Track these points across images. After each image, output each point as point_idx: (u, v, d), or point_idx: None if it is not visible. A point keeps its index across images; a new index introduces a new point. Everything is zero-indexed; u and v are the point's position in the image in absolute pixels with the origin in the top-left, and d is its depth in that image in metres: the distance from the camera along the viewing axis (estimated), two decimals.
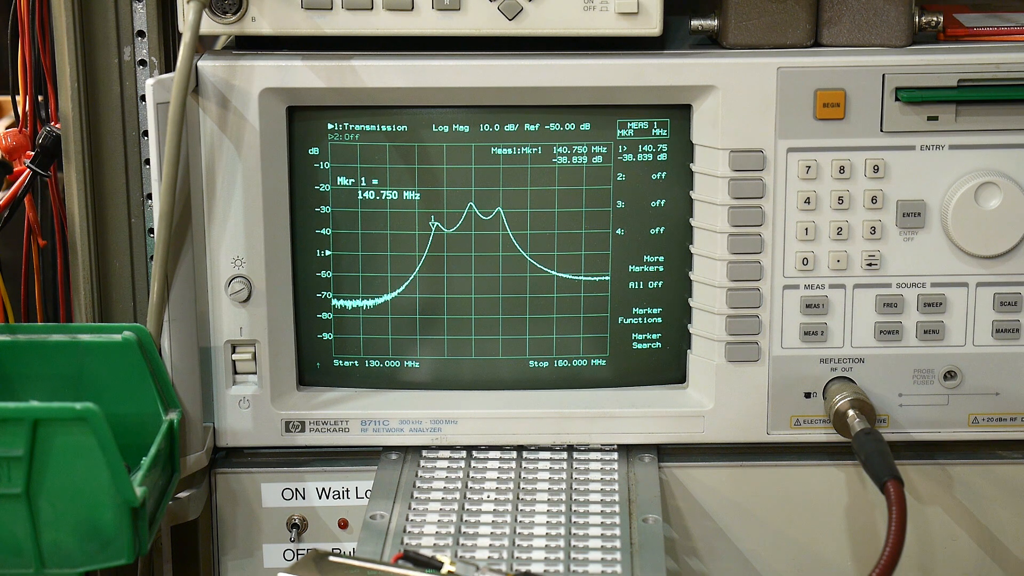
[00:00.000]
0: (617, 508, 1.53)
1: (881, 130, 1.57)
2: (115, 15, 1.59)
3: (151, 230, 1.64)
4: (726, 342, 1.61)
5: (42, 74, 1.64)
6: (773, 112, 1.56)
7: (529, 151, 1.60)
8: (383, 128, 1.60)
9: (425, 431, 1.64)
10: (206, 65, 1.55)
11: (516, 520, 1.51)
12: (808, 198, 1.58)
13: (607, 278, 1.64)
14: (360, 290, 1.64)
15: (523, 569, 1.41)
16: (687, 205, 1.61)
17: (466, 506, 1.54)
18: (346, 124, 1.60)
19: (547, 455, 1.65)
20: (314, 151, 1.61)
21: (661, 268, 1.64)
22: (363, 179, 1.61)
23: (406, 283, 1.63)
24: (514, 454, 1.65)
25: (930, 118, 1.56)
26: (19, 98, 1.69)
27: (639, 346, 1.66)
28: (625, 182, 1.61)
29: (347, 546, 1.66)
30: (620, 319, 1.65)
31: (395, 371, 1.67)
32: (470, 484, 1.59)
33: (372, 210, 1.62)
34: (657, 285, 1.64)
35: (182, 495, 1.61)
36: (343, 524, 1.66)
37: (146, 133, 1.61)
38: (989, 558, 1.67)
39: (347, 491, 1.66)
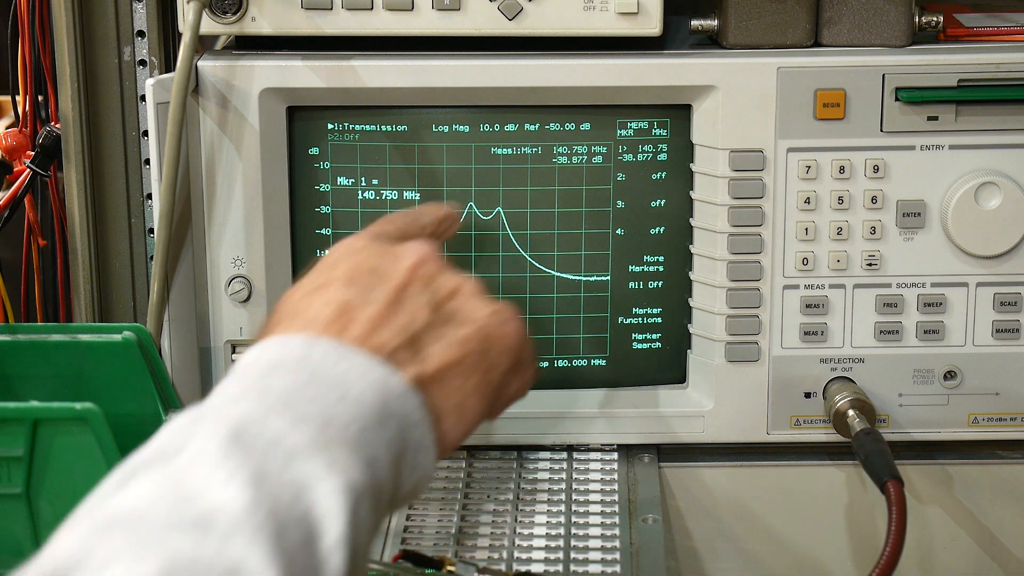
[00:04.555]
0: (617, 508, 1.53)
1: (881, 130, 1.57)
2: (115, 15, 1.59)
3: (151, 230, 1.64)
4: (726, 342, 1.61)
5: (42, 74, 1.64)
6: (773, 112, 1.56)
7: (529, 151, 1.60)
8: (383, 128, 1.60)
9: None
10: (206, 65, 1.55)
11: (516, 520, 1.51)
12: (808, 198, 1.58)
13: (607, 278, 1.64)
14: None
15: (523, 569, 1.41)
16: (687, 205, 1.61)
17: (466, 506, 1.54)
18: (346, 124, 1.60)
19: (547, 455, 1.65)
20: (314, 151, 1.61)
21: (661, 268, 1.64)
22: (363, 179, 1.61)
23: None
24: (514, 454, 1.65)
25: (930, 118, 1.57)
26: (19, 98, 1.69)
27: (639, 346, 1.66)
28: (625, 182, 1.61)
29: None
30: (620, 319, 1.65)
31: None
32: (470, 484, 1.59)
33: (372, 210, 1.61)
34: (657, 285, 1.64)
35: None
36: None
37: (146, 133, 1.61)
38: (989, 558, 1.67)
39: None
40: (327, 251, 1.61)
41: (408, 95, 1.57)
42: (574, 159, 1.61)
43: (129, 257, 1.65)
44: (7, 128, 1.71)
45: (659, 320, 1.65)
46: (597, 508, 1.53)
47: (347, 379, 1.01)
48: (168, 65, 1.62)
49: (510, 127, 1.60)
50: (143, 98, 1.60)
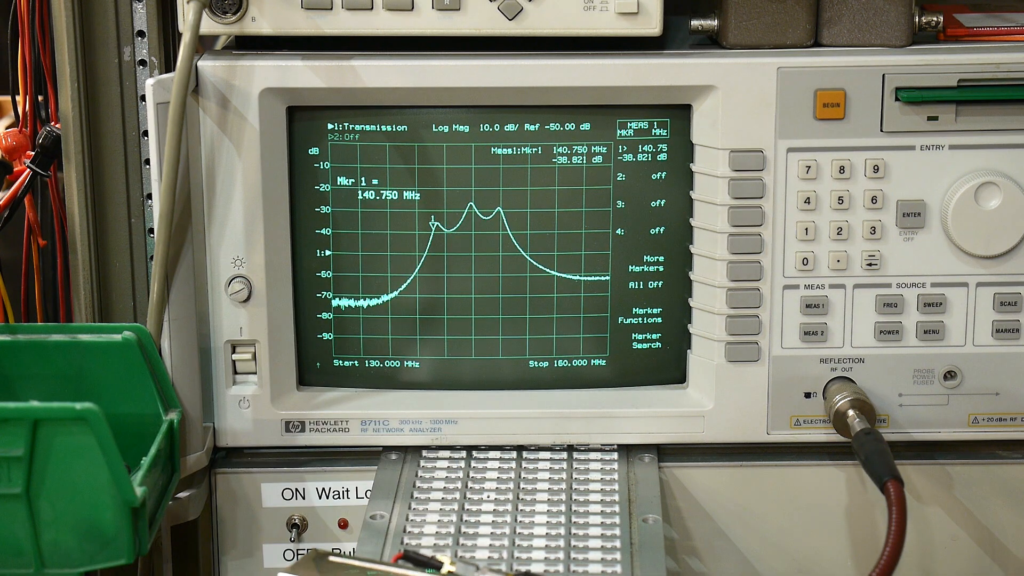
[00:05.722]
0: (617, 508, 1.53)
1: (881, 130, 1.57)
2: (115, 15, 1.59)
3: (151, 230, 1.64)
4: (726, 342, 1.61)
5: (42, 74, 1.64)
6: (773, 112, 1.56)
7: (529, 151, 1.60)
8: (383, 128, 1.60)
9: (425, 431, 1.64)
10: (206, 65, 1.55)
11: (516, 520, 1.51)
12: (808, 198, 1.58)
13: (607, 278, 1.64)
14: (360, 290, 1.64)
15: (523, 569, 1.41)
16: (687, 205, 1.61)
17: (466, 506, 1.54)
18: (346, 124, 1.60)
19: (547, 455, 1.65)
20: (314, 151, 1.61)
21: (661, 268, 1.64)
22: (363, 179, 1.61)
23: (406, 283, 1.63)
24: (514, 454, 1.65)
25: (930, 118, 1.57)
26: (19, 98, 1.69)
27: (639, 346, 1.66)
28: (625, 182, 1.61)
29: (347, 546, 1.66)
30: (620, 319, 1.65)
31: (395, 371, 1.67)
32: (470, 484, 1.59)
33: (372, 210, 1.62)
34: (657, 285, 1.64)
35: (182, 495, 1.61)
36: (343, 524, 1.66)
37: (146, 133, 1.61)
38: (989, 558, 1.67)
39: (347, 491, 1.66)
40: (327, 251, 1.61)
41: (408, 95, 1.57)
42: (574, 159, 1.61)
43: (129, 257, 1.65)
44: (7, 128, 1.71)
45: (659, 320, 1.65)
46: (597, 508, 1.53)
47: None
48: (168, 65, 1.62)
49: (510, 127, 1.60)
50: (143, 98, 1.60)
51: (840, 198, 1.58)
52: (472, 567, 1.34)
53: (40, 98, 1.68)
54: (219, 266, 1.60)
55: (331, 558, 1.35)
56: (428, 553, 1.37)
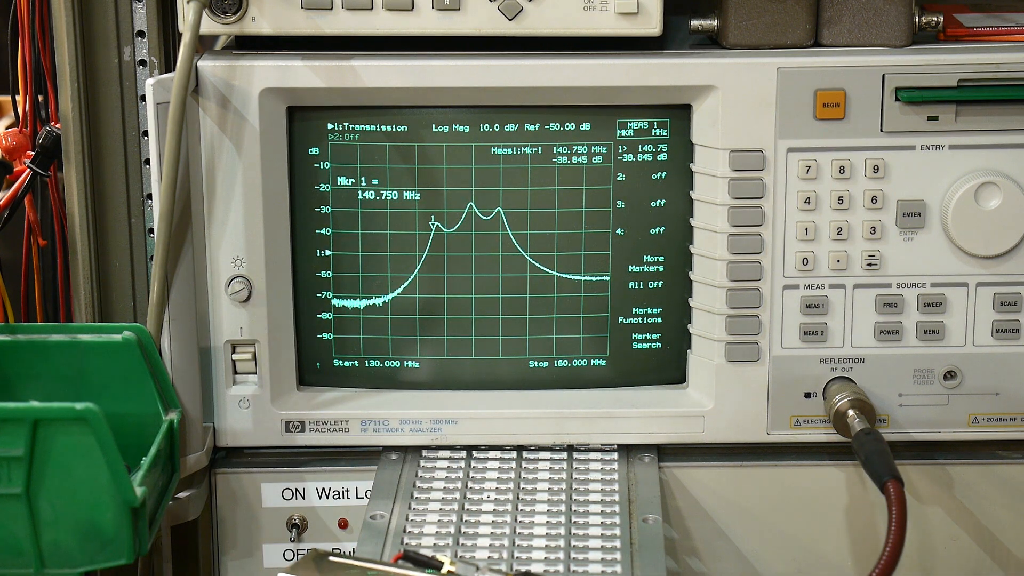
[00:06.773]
0: (617, 508, 1.53)
1: (881, 130, 1.57)
2: (115, 15, 1.59)
3: (151, 230, 1.64)
4: (726, 342, 1.61)
5: (42, 74, 1.64)
6: (773, 112, 1.56)
7: (529, 151, 1.60)
8: (383, 128, 1.60)
9: (425, 431, 1.64)
10: (206, 65, 1.55)
11: (516, 520, 1.51)
12: (808, 198, 1.58)
13: (607, 278, 1.64)
14: (360, 290, 1.64)
15: (523, 569, 1.41)
16: (687, 205, 1.61)
17: (466, 506, 1.54)
18: (346, 124, 1.60)
19: (547, 455, 1.65)
20: (314, 151, 1.61)
21: (661, 268, 1.64)
22: (363, 179, 1.61)
23: (406, 283, 1.63)
24: (514, 454, 1.65)
25: (930, 118, 1.57)
26: (19, 98, 1.69)
27: (639, 346, 1.66)
28: (625, 182, 1.61)
29: (347, 546, 1.66)
30: (620, 319, 1.65)
31: (395, 371, 1.67)
32: (470, 484, 1.59)
33: (372, 210, 1.62)
34: (657, 285, 1.64)
35: (182, 495, 1.61)
36: (343, 524, 1.66)
37: (146, 133, 1.61)
38: (989, 558, 1.67)
39: (347, 491, 1.66)
40: (327, 251, 1.61)
41: (408, 95, 1.57)
42: (574, 159, 1.61)
43: (129, 257, 1.65)
44: (7, 128, 1.71)
45: (659, 320, 1.65)
46: (597, 508, 1.53)
47: None
48: (168, 65, 1.62)
49: (510, 127, 1.60)
50: (143, 98, 1.60)
51: (840, 198, 1.58)
52: (472, 567, 1.34)
53: (40, 98, 1.68)
54: (219, 266, 1.60)
55: (331, 558, 1.35)
56: (428, 553, 1.36)
